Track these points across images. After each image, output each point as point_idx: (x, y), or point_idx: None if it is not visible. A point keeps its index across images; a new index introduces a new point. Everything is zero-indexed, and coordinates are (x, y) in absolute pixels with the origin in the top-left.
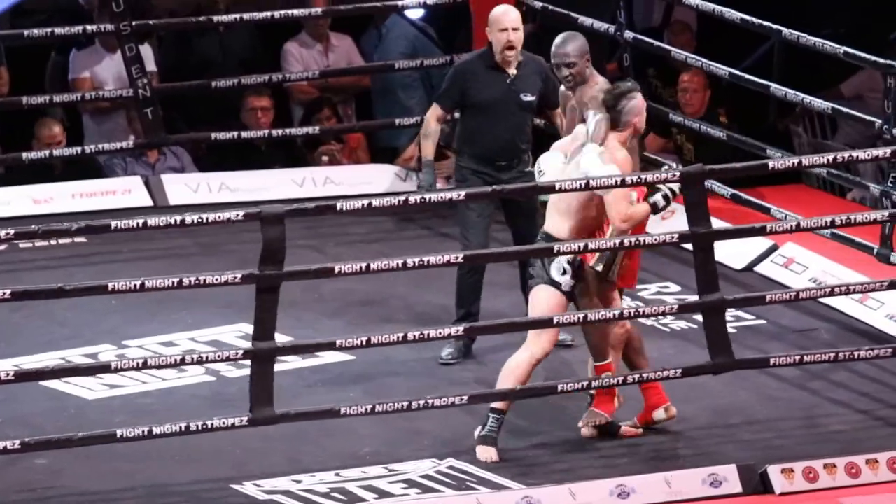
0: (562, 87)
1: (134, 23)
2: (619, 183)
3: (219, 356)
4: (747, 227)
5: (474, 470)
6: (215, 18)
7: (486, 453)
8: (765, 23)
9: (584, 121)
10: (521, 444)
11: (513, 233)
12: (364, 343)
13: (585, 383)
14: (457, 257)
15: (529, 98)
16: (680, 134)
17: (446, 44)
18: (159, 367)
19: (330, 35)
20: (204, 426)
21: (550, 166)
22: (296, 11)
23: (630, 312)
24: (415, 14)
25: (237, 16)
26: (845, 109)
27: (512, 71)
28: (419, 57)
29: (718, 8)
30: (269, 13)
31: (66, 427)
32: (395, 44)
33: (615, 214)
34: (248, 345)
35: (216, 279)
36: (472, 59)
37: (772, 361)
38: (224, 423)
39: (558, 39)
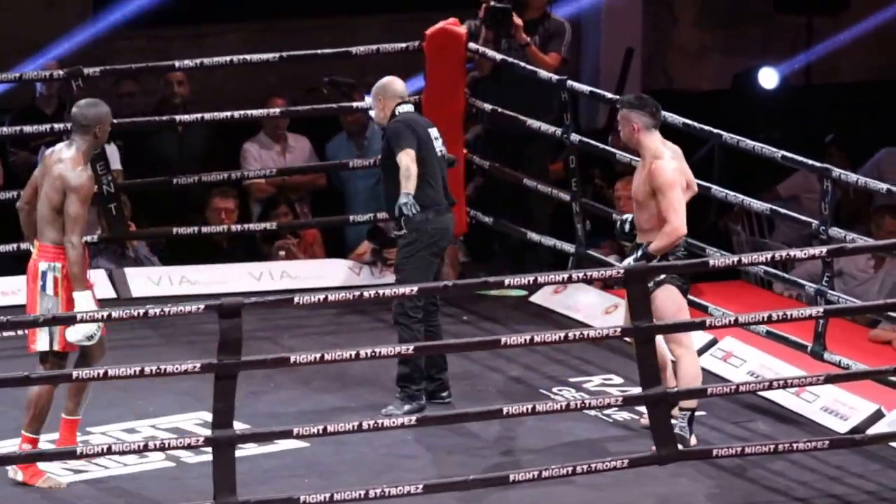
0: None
1: None
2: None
3: (181, 443)
4: (687, 321)
5: None
6: (177, 118)
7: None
8: (705, 127)
9: None
10: None
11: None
12: (320, 432)
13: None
14: (408, 349)
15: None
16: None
17: None
18: (123, 452)
19: (287, 136)
20: None
21: None
22: (254, 112)
23: (577, 404)
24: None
25: (198, 115)
26: (783, 210)
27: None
28: None
29: (662, 112)
30: (228, 113)
31: None
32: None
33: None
34: (207, 432)
35: (176, 368)
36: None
37: (714, 452)
38: None
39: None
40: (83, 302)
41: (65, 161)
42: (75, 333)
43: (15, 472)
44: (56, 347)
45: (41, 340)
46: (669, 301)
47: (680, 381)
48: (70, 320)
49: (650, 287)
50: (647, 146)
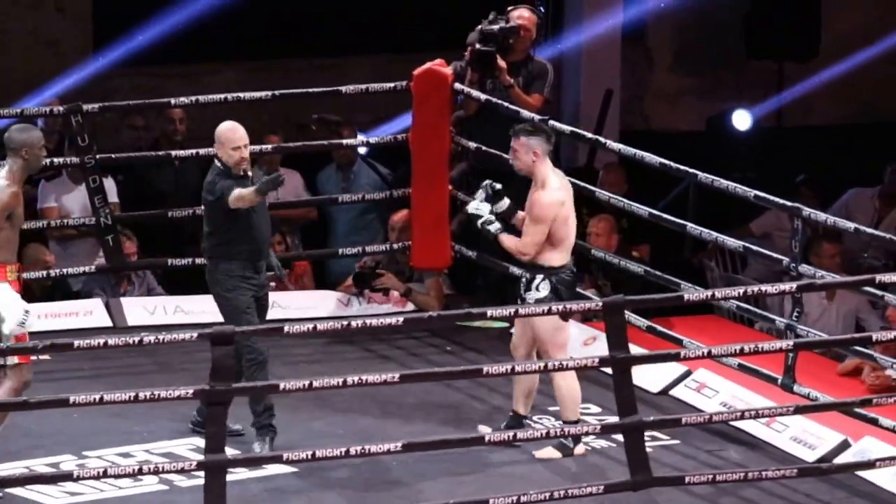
0: None
1: (98, 156)
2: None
3: (174, 467)
4: (662, 352)
5: None
6: (173, 153)
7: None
8: (681, 167)
9: None
10: None
11: None
12: (309, 457)
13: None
14: (393, 377)
15: None
16: (598, 272)
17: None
18: (117, 476)
19: (280, 170)
20: None
21: None
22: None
23: (556, 432)
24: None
25: (193, 151)
26: (755, 248)
27: (250, 173)
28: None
29: (639, 152)
30: None
31: None
32: (363, 188)
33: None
34: (200, 457)
35: (170, 394)
36: (216, 177)
37: (687, 479)
38: None
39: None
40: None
41: None
42: (9, 324)
43: None
44: None
45: None
46: (548, 319)
47: (561, 400)
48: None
49: (531, 302)
50: (541, 172)
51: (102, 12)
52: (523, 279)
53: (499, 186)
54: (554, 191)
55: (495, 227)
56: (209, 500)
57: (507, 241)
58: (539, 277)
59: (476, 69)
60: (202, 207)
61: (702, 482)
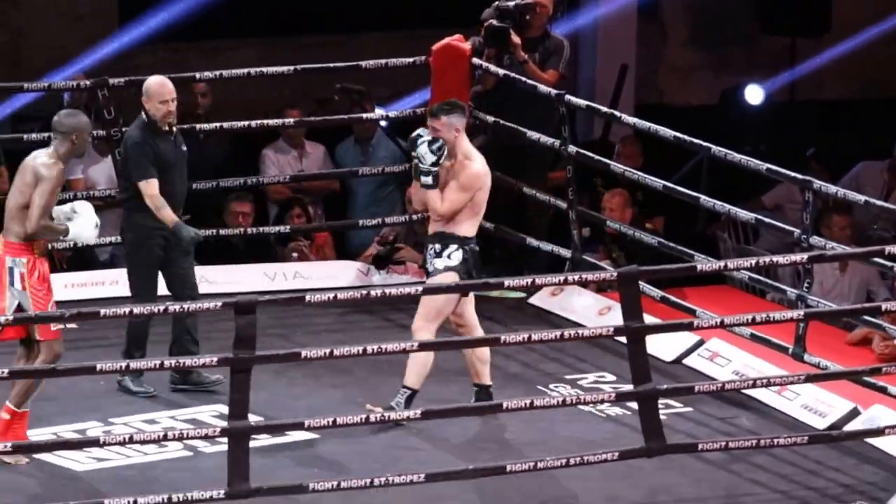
0: None
1: (123, 129)
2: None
3: (198, 433)
4: (676, 322)
5: None
6: (198, 126)
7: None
8: (695, 140)
9: None
10: None
11: (170, 272)
12: (330, 424)
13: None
14: (412, 345)
15: (185, 147)
16: (612, 243)
17: None
18: (143, 442)
19: (305, 142)
20: (185, 498)
21: None
22: (270, 122)
23: (572, 400)
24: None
25: (217, 124)
26: (767, 220)
27: (173, 130)
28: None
29: (654, 126)
30: (246, 122)
31: (57, 495)
32: (382, 161)
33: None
34: (223, 423)
35: (194, 362)
36: (141, 133)
37: (700, 446)
38: (203, 496)
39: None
40: (80, 206)
41: (40, 157)
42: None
43: None
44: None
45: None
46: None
47: (412, 364)
48: (29, 320)
49: (430, 273)
50: (463, 146)
51: None
52: (433, 248)
53: (440, 143)
54: (481, 162)
55: (433, 180)
56: (232, 465)
57: (434, 196)
58: (453, 246)
59: (490, 45)
60: (225, 180)
61: (714, 449)
